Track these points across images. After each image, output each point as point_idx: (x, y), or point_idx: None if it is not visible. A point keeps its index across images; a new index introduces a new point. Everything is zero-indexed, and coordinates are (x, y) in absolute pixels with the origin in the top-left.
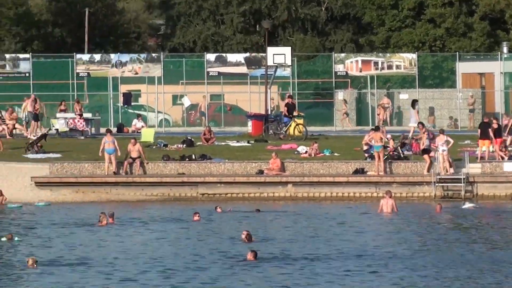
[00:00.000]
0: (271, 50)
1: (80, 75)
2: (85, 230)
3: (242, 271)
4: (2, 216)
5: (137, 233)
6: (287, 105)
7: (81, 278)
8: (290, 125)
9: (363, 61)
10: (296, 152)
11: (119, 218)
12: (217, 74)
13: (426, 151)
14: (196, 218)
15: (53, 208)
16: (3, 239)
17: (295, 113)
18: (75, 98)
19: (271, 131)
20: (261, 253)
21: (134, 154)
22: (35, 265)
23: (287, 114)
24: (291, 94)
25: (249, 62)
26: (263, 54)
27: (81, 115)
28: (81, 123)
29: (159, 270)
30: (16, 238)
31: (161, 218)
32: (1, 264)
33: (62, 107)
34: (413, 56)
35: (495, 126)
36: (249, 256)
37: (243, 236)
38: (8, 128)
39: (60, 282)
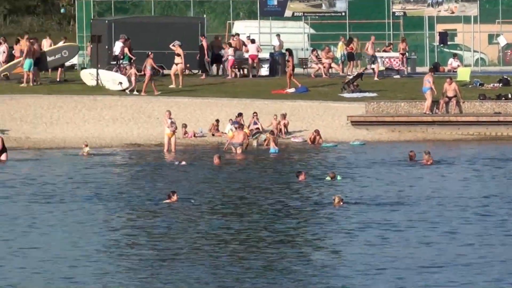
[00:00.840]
0: None
1: (396, 14)
2: (400, 169)
3: None
4: (320, 155)
5: (453, 172)
6: None
7: (386, 216)
8: None
9: None
10: None
11: (438, 158)
12: None
13: None
14: None
15: (368, 147)
16: (327, 178)
17: None
18: (400, 37)
19: None
20: None
21: (450, 93)
22: (341, 203)
23: None
24: None
25: None
26: None
27: (404, 54)
28: (397, 62)
29: (474, 212)
30: (338, 177)
31: (477, 157)
32: (311, 202)
33: (387, 49)
34: None
35: None
36: None
37: None
38: (324, 67)
39: (363, 221)
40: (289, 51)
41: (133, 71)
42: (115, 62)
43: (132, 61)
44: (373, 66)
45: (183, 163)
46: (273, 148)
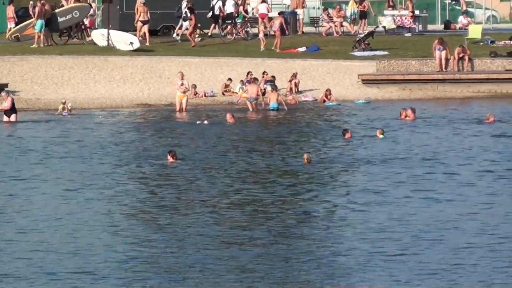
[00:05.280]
0: None
1: None
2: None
3: None
4: (329, 114)
5: (450, 131)
6: None
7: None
8: None
9: None
10: None
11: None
12: None
13: None
14: None
15: (372, 106)
16: (381, 136)
17: None
18: None
19: None
20: None
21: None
22: (309, 161)
23: None
24: None
25: None
26: None
27: (413, 12)
28: (408, 20)
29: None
30: (381, 136)
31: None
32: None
33: (391, 3)
34: None
35: None
36: None
37: None
38: (335, 25)
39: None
40: (190, 9)
41: (261, 27)
42: (230, 21)
43: (246, 19)
44: None
45: (206, 122)
46: (273, 103)
